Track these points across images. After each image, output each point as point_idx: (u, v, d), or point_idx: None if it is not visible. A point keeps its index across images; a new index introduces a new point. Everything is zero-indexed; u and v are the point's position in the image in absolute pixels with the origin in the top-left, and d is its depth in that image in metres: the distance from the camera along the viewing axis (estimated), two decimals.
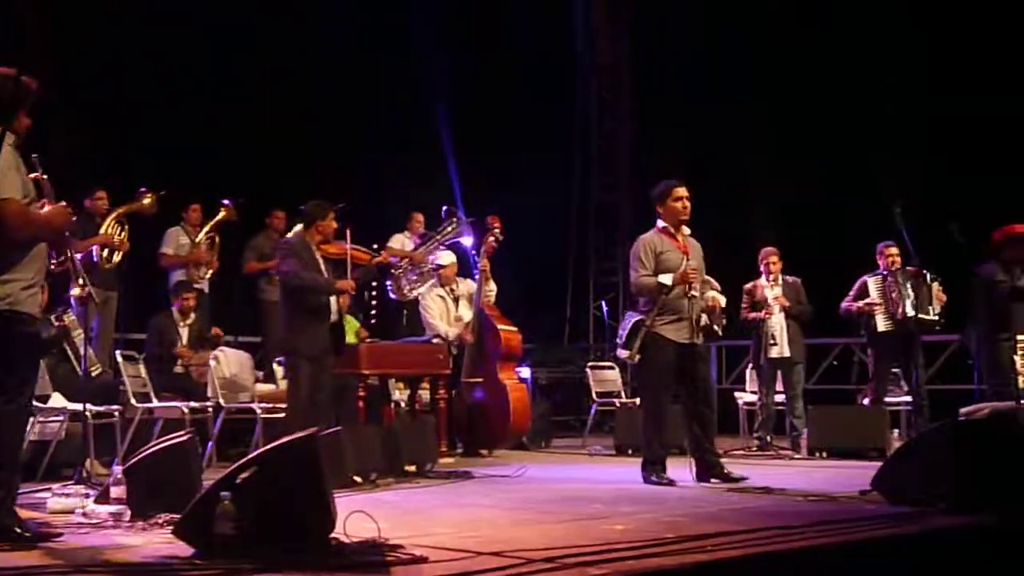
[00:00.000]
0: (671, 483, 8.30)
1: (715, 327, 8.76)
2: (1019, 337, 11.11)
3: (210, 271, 12.14)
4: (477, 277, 12.05)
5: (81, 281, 7.54)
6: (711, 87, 16.32)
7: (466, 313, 11.93)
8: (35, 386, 5.97)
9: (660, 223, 8.71)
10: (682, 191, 8.68)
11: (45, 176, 5.96)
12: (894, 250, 11.24)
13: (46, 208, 5.72)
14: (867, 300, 11.27)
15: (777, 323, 11.61)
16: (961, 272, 10.79)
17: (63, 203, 5.83)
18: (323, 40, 14.89)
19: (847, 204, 14.69)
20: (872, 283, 11.35)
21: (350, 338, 11.12)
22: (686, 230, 8.73)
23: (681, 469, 8.49)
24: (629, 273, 8.78)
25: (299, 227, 9.67)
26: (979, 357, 10.96)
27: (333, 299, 9.33)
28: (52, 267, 6.60)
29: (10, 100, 5.52)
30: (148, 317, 11.40)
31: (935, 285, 11.03)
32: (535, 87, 17.25)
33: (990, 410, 9.31)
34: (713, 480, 8.38)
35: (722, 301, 8.93)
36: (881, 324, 11.21)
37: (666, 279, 8.44)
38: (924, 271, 10.98)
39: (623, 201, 18.07)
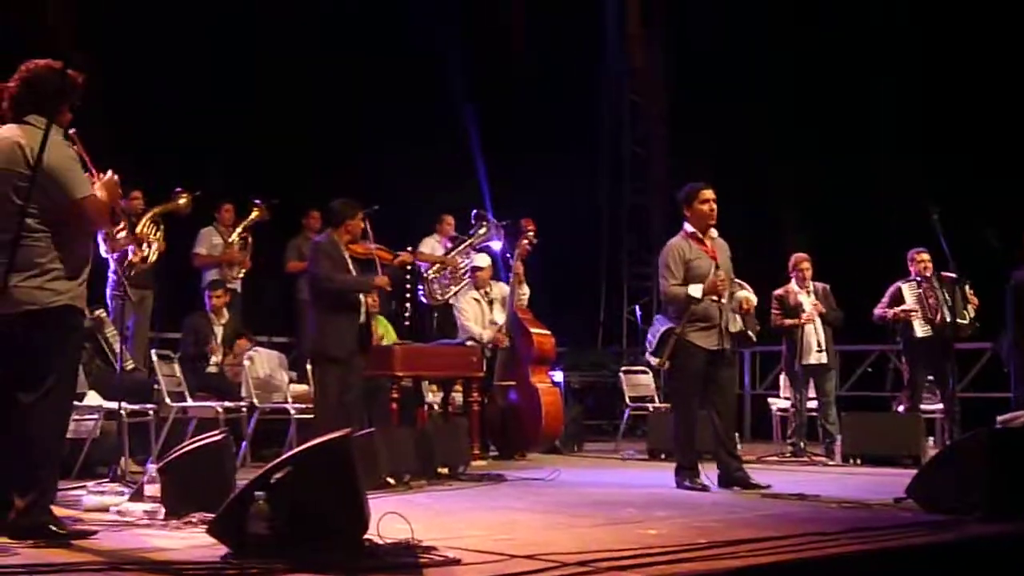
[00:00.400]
0: (705, 488, 8.26)
1: (750, 332, 8.73)
2: None
3: (243, 271, 12.20)
4: (510, 280, 12.06)
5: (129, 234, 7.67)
6: (743, 91, 16.28)
7: (500, 316, 11.94)
8: (76, 383, 6.00)
9: (687, 227, 8.64)
10: (709, 193, 8.60)
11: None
12: (926, 256, 11.19)
13: (97, 184, 5.72)
14: (903, 307, 11.22)
15: (817, 329, 11.56)
16: (996, 278, 10.74)
17: (110, 172, 5.83)
18: (354, 42, 14.90)
19: (876, 209, 14.67)
20: (907, 289, 11.30)
21: (389, 337, 11.15)
22: (713, 233, 8.64)
23: (712, 474, 8.47)
24: (659, 281, 8.74)
25: (328, 228, 9.67)
26: (1011, 363, 10.90)
27: (361, 300, 9.32)
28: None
29: (55, 93, 5.53)
30: (183, 316, 11.48)
31: (967, 289, 10.96)
32: (565, 90, 17.24)
33: None
34: (735, 488, 8.35)
35: (754, 300, 8.90)
36: (919, 330, 11.17)
37: (696, 291, 8.36)
38: (957, 275, 10.90)
39: (655, 204, 18.03)
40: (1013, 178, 13.64)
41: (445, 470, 9.08)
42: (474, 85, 15.89)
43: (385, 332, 11.29)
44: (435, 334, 12.41)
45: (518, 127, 16.47)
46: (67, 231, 5.55)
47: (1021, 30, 14.05)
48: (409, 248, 11.28)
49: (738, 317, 8.71)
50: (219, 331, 11.21)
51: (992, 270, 10.69)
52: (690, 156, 16.21)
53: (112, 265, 9.99)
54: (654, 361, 8.58)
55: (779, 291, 11.69)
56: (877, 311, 11.53)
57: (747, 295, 8.75)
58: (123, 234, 8.88)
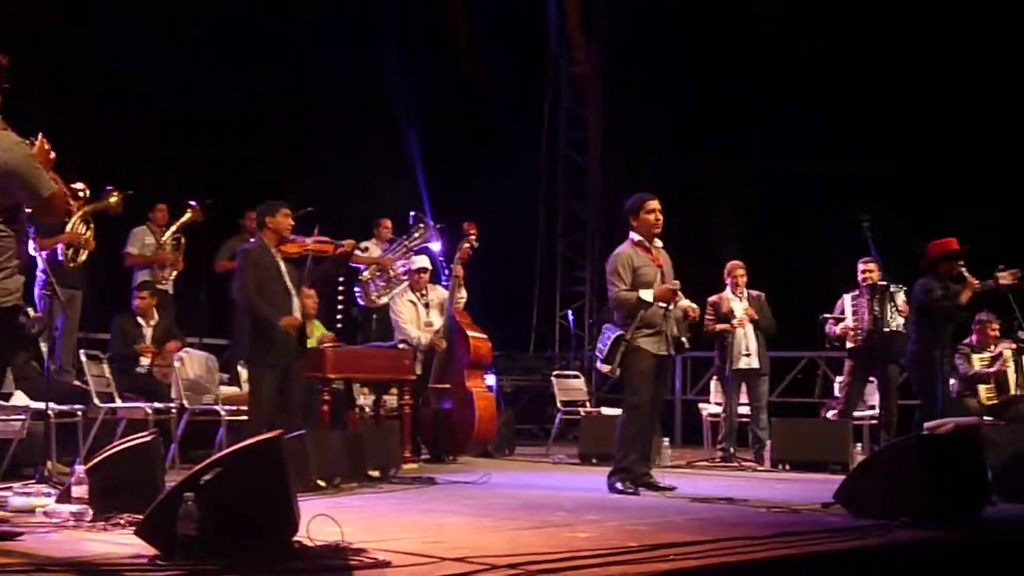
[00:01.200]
0: (636, 493, 8.32)
1: (683, 339, 8.79)
2: (979, 355, 11.30)
3: (175, 272, 12.10)
4: (447, 283, 12.03)
5: None
6: (678, 99, 16.39)
7: (436, 319, 11.90)
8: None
9: (634, 236, 8.73)
10: (654, 204, 8.71)
11: None
12: (871, 266, 11.28)
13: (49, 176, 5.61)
14: (843, 325, 11.36)
15: (747, 335, 11.68)
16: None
17: (40, 137, 5.69)
18: (290, 39, 14.84)
19: (810, 217, 14.80)
20: (847, 300, 11.45)
21: (312, 343, 11.08)
22: (658, 242, 8.76)
23: None
24: (606, 288, 8.76)
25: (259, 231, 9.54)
26: (915, 374, 11.01)
27: (296, 302, 9.21)
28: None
29: None
30: (113, 317, 11.35)
31: (899, 297, 11.04)
32: (505, 94, 17.28)
33: (953, 425, 9.36)
34: (641, 490, 8.43)
35: (697, 309, 8.95)
36: (848, 341, 11.31)
37: (647, 295, 8.46)
38: (888, 284, 10.99)
39: (590, 210, 18.11)
40: (945, 187, 13.88)
41: (376, 473, 9.06)
42: (413, 89, 15.88)
43: (316, 332, 11.23)
44: (375, 336, 12.36)
45: (457, 130, 16.50)
46: (21, 228, 5.49)
47: (951, 37, 14.28)
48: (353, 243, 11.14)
49: (675, 324, 8.77)
50: (148, 332, 11.11)
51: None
52: (626, 163, 16.31)
53: (41, 264, 9.88)
54: (605, 368, 8.60)
55: (713, 297, 11.80)
56: (828, 327, 11.65)
57: (691, 304, 8.81)
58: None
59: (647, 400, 8.56)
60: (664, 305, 8.53)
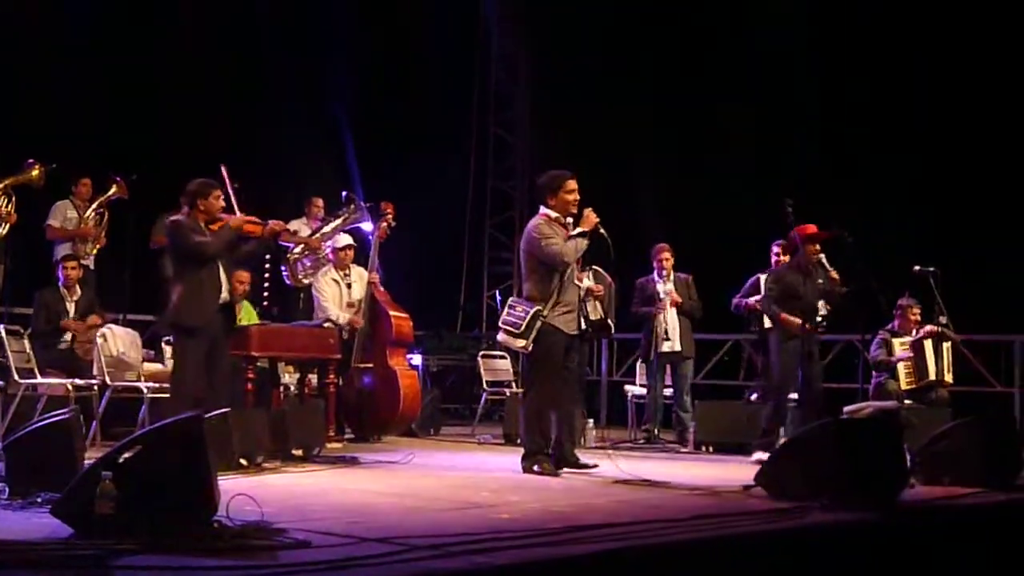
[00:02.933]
0: (554, 474, 8.34)
1: (609, 320, 8.81)
2: (899, 340, 11.41)
3: (97, 247, 11.96)
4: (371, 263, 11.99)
5: None
6: (605, 82, 16.47)
7: (358, 298, 11.85)
8: None
9: (549, 212, 8.63)
10: (574, 184, 8.62)
11: None
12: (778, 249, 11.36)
13: None
14: (757, 298, 11.31)
15: (669, 318, 11.73)
16: (849, 276, 10.89)
17: None
18: (221, 15, 14.73)
19: (737, 201, 14.92)
20: (760, 279, 11.42)
21: (250, 320, 11.01)
22: (569, 221, 8.66)
23: None
24: (539, 252, 8.50)
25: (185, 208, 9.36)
26: (761, 354, 11.07)
27: (224, 279, 9.10)
28: None
29: None
30: (34, 292, 11.21)
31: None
32: (435, 74, 17.26)
33: (872, 409, 9.46)
34: (566, 469, 8.49)
35: (599, 288, 8.92)
36: (767, 322, 11.30)
37: (580, 232, 8.46)
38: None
39: (517, 189, 18.13)
40: (863, 178, 14.07)
41: (300, 452, 9.04)
42: (346, 69, 15.82)
43: (247, 317, 11.16)
44: (300, 315, 12.27)
45: (388, 110, 16.45)
46: None
47: (867, 33, 14.49)
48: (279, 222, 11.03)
49: (598, 304, 8.78)
50: (71, 307, 10.99)
51: (845, 268, 10.84)
52: (553, 143, 16.33)
53: None
54: (519, 344, 8.47)
55: (641, 280, 11.86)
56: (735, 300, 11.70)
57: (592, 284, 8.81)
58: None
59: (550, 382, 8.54)
60: (579, 284, 8.56)
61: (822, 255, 10.28)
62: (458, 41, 17.93)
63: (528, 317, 8.43)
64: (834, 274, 10.26)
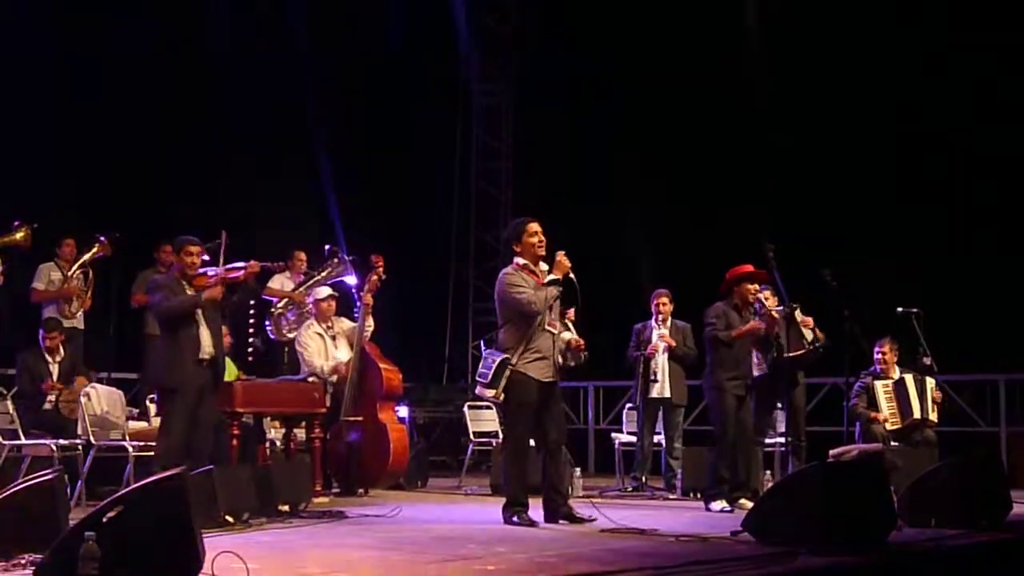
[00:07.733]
0: (532, 524, 8.31)
1: (572, 363, 8.78)
2: (881, 383, 11.42)
3: (82, 307, 11.95)
4: (358, 315, 11.96)
5: None
6: (588, 130, 16.56)
7: (344, 352, 11.83)
8: None
9: (519, 260, 8.66)
10: (535, 227, 8.66)
11: None
12: (765, 293, 11.35)
13: None
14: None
15: (660, 361, 11.71)
16: (833, 317, 10.91)
17: None
18: (203, 67, 14.78)
19: (726, 247, 14.95)
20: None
21: (231, 376, 11.00)
22: (544, 266, 8.69)
23: (538, 510, 8.57)
24: (509, 300, 8.54)
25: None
26: (708, 398, 11.03)
27: (208, 337, 9.12)
28: None
29: None
30: (17, 353, 11.18)
31: (797, 314, 10.91)
32: (419, 127, 17.36)
33: (858, 451, 9.46)
34: (561, 521, 8.46)
35: (580, 340, 8.91)
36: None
37: (552, 278, 8.49)
38: (791, 306, 10.87)
39: (502, 240, 18.15)
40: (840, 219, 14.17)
41: (286, 508, 9.01)
42: (329, 123, 15.87)
43: (228, 373, 11.13)
44: (286, 369, 12.25)
45: (372, 164, 16.51)
46: None
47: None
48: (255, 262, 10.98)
49: (567, 355, 8.77)
50: (55, 369, 10.96)
51: (829, 309, 10.86)
52: (537, 194, 16.38)
53: None
54: (489, 393, 8.48)
55: (638, 325, 11.87)
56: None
57: (574, 336, 8.82)
58: None
59: (526, 432, 8.55)
60: (552, 331, 8.54)
61: (762, 294, 10.34)
62: (441, 93, 18.01)
63: (495, 366, 8.45)
64: (820, 333, 10.35)
